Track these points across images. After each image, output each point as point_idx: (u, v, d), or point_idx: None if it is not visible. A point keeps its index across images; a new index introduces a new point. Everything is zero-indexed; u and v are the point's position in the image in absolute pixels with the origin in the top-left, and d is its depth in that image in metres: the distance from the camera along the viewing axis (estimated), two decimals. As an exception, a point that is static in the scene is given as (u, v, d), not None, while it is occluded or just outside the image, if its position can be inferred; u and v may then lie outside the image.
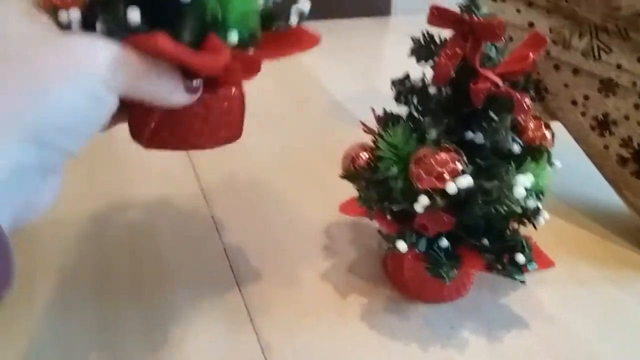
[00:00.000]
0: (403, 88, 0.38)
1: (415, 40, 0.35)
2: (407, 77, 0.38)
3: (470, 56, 0.32)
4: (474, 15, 0.32)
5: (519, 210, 0.36)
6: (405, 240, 0.36)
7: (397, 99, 0.38)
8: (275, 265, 0.44)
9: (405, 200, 0.36)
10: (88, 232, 0.46)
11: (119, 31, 0.26)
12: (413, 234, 0.36)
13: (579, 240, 0.49)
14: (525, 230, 0.38)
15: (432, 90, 0.36)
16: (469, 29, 0.32)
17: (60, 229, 0.46)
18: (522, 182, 0.32)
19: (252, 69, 0.30)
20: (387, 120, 0.38)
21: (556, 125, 0.49)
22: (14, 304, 0.37)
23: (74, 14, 0.27)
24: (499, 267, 0.36)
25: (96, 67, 0.25)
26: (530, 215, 0.37)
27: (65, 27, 0.27)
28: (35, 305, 0.39)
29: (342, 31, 1.03)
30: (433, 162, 0.33)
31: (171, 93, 0.28)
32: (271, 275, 0.43)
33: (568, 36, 0.46)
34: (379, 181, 0.37)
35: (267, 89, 0.74)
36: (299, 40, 0.32)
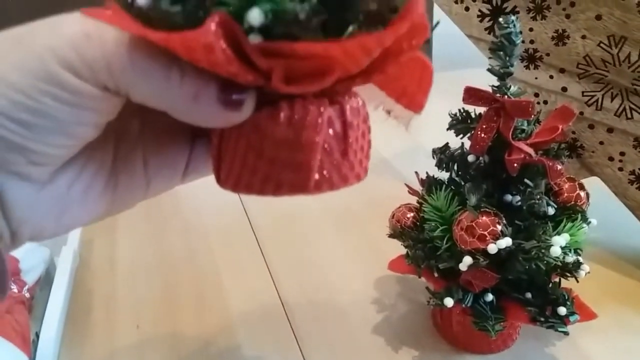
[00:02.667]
0: (444, 156, 0.42)
1: (452, 116, 0.40)
2: (447, 146, 0.42)
3: (503, 130, 0.36)
4: (505, 95, 0.36)
5: (553, 265, 0.38)
6: (452, 297, 0.39)
7: (439, 166, 0.42)
8: (331, 318, 0.47)
9: (450, 258, 0.39)
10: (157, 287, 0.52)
11: None
12: (459, 289, 0.40)
13: (625, 290, 0.50)
14: (569, 283, 0.40)
15: (470, 158, 0.40)
16: (501, 106, 0.36)
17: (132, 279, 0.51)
18: (558, 242, 0.35)
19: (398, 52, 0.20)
20: (430, 184, 0.42)
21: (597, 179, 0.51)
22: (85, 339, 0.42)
23: None
24: (542, 319, 0.38)
25: (55, 40, 0.19)
26: (571, 269, 0.40)
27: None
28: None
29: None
30: (475, 225, 0.36)
31: (195, 104, 0.20)
32: (327, 327, 0.46)
33: (600, 98, 0.50)
34: (425, 240, 0.41)
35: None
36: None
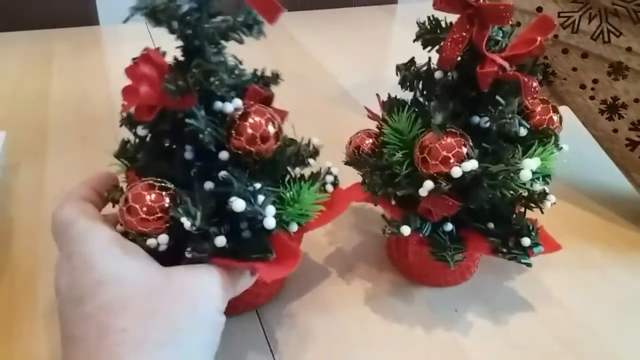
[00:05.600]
0: (408, 73, 0.37)
1: (420, 25, 0.35)
2: (413, 61, 0.38)
3: (476, 40, 0.32)
4: (480, -1, 0.32)
5: (525, 193, 0.36)
6: (409, 225, 0.36)
7: (402, 84, 0.38)
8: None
9: (409, 185, 0.35)
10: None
11: (206, 254, 0.30)
12: (417, 218, 0.36)
13: (587, 224, 0.49)
14: (532, 214, 0.37)
15: (437, 74, 0.36)
16: (476, 12, 0.32)
17: None
18: (529, 165, 0.32)
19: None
20: (391, 105, 0.38)
21: (565, 110, 0.49)
22: None
23: (163, 239, 0.29)
24: (505, 250, 0.36)
25: (212, 300, 0.28)
26: (536, 199, 0.37)
27: (153, 249, 0.29)
28: None
29: (349, 20, 1.03)
30: (438, 146, 0.33)
31: (247, 283, 0.32)
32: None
33: (577, 20, 0.46)
34: (384, 167, 0.37)
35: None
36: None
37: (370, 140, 0.40)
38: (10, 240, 0.44)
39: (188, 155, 0.31)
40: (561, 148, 0.36)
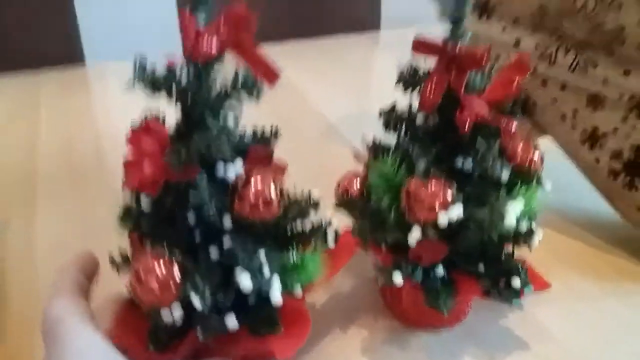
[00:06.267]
0: (391, 117, 0.38)
1: (400, 72, 0.36)
2: (395, 106, 0.38)
3: (455, 85, 0.33)
4: (457, 45, 0.33)
5: (506, 234, 0.36)
6: (401, 272, 0.36)
7: (386, 127, 0.38)
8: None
9: (399, 230, 0.36)
10: None
11: (218, 332, 0.30)
12: (409, 265, 0.36)
13: (576, 254, 0.49)
14: (520, 250, 0.38)
15: (419, 118, 0.36)
16: (453, 58, 0.33)
17: None
18: (513, 210, 0.33)
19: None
20: (376, 150, 0.39)
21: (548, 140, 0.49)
22: None
23: (177, 312, 0.29)
24: (496, 292, 0.36)
25: None
26: (524, 237, 0.37)
27: (169, 324, 0.30)
28: None
29: (332, 49, 1.04)
30: (423, 194, 0.33)
31: None
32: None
33: (554, 52, 0.47)
34: (372, 211, 0.37)
35: (259, 112, 0.74)
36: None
37: (358, 183, 0.40)
38: (5, 299, 0.44)
39: (191, 219, 0.31)
40: (544, 186, 0.37)
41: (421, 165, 0.34)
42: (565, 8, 0.44)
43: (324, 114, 0.77)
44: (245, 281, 0.29)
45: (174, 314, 0.29)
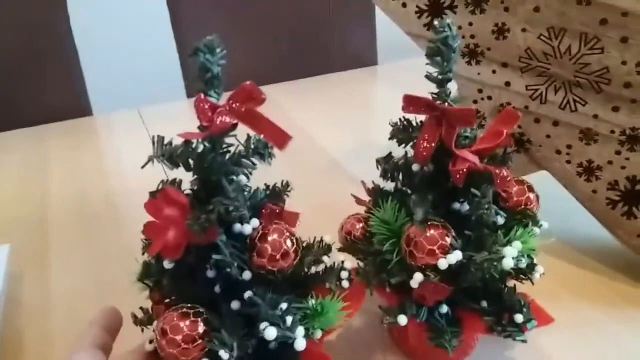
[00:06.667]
0: (388, 166, 0.39)
1: (393, 126, 0.37)
2: (390, 155, 0.40)
3: (446, 139, 0.34)
4: (445, 103, 0.35)
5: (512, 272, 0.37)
6: (405, 313, 0.37)
7: (384, 176, 0.40)
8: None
9: (401, 272, 0.37)
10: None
11: None
12: (413, 304, 0.38)
13: (581, 281, 0.50)
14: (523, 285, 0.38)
15: (415, 167, 0.38)
16: (442, 115, 0.34)
17: None
18: (510, 253, 0.34)
19: None
20: (376, 196, 0.40)
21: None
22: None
23: None
24: (499, 328, 0.37)
25: None
26: (525, 272, 0.38)
27: None
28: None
29: (331, 85, 1.06)
30: (423, 240, 0.35)
31: None
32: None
33: (544, 92, 0.48)
34: (375, 253, 0.39)
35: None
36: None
37: (361, 225, 0.42)
38: (20, 354, 0.45)
39: (210, 274, 0.33)
40: (541, 225, 0.38)
41: (419, 213, 0.36)
42: (550, 52, 0.46)
43: (328, 150, 0.79)
44: (270, 332, 0.31)
45: None
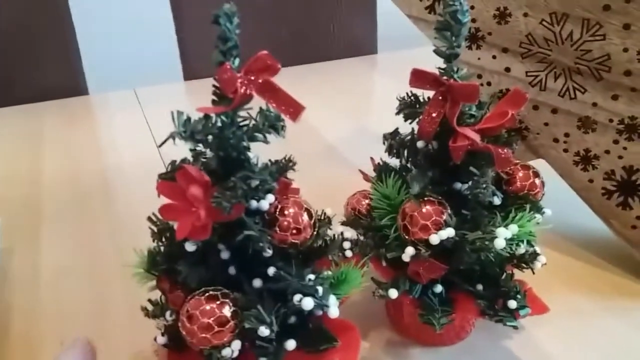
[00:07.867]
0: (394, 142, 0.39)
1: (400, 101, 0.37)
2: (397, 131, 0.40)
3: (448, 115, 0.34)
4: (451, 78, 0.34)
5: (507, 256, 0.37)
6: (398, 288, 0.37)
7: (389, 152, 0.40)
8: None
9: (398, 247, 0.37)
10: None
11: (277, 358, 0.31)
12: (407, 280, 0.38)
13: (575, 272, 0.50)
14: (523, 272, 0.38)
15: (419, 144, 0.38)
16: (447, 90, 0.34)
17: None
18: (503, 234, 0.34)
19: None
20: (380, 171, 0.40)
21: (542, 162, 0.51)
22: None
23: (236, 345, 0.30)
24: (491, 312, 0.37)
25: None
26: (527, 260, 0.38)
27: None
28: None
29: (330, 73, 1.06)
30: (417, 214, 0.35)
31: None
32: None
33: (544, 78, 0.48)
34: (375, 228, 0.39)
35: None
36: None
37: (367, 201, 0.42)
38: (8, 326, 0.45)
39: (224, 255, 0.32)
40: (544, 212, 0.38)
41: (416, 187, 0.36)
42: (551, 37, 0.46)
43: (325, 135, 0.79)
44: (307, 302, 0.30)
45: (233, 349, 0.30)
